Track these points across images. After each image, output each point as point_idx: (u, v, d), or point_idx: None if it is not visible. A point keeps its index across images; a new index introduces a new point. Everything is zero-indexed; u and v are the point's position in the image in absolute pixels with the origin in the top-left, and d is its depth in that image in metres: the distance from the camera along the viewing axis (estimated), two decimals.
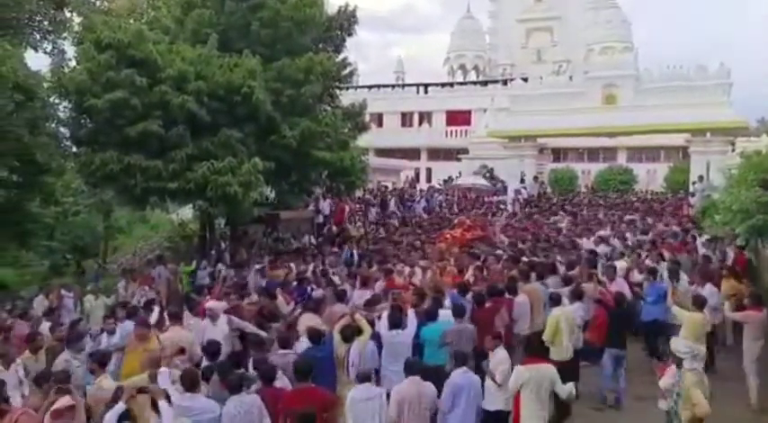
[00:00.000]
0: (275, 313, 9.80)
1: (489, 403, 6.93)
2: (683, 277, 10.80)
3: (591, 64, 30.51)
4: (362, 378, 6.51)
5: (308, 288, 11.80)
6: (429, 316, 8.42)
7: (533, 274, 10.70)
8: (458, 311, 8.35)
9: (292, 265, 14.77)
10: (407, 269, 12.58)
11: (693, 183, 22.74)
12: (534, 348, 6.92)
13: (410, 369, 6.54)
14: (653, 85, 25.28)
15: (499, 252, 14.01)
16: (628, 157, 36.53)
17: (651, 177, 34.37)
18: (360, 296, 10.61)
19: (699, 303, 8.99)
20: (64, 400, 5.82)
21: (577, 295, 9.44)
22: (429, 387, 6.49)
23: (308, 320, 8.72)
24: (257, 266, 14.63)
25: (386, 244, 17.75)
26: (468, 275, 11.49)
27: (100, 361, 7.14)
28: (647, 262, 12.19)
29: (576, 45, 45.08)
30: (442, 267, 12.55)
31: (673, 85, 24.72)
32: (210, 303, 9.43)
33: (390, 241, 18.18)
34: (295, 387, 6.45)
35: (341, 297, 9.99)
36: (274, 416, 6.11)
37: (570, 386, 6.88)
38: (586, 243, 15.19)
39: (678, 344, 6.83)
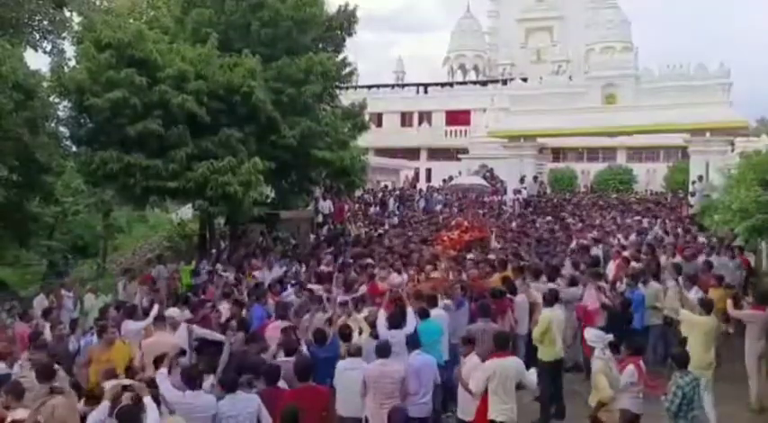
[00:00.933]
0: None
1: (465, 413, 6.96)
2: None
3: (591, 64, 30.45)
4: (381, 352, 6.80)
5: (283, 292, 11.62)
6: (422, 314, 8.37)
7: (528, 276, 10.52)
8: (484, 311, 8.39)
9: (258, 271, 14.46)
10: (394, 274, 11.97)
11: (693, 182, 22.74)
12: (499, 344, 6.98)
13: (380, 352, 6.84)
14: (653, 85, 25.25)
15: (491, 257, 13.42)
16: (627, 156, 36.51)
17: (651, 177, 34.34)
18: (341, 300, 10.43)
19: (707, 307, 8.59)
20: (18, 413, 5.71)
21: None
22: (395, 368, 6.77)
23: (274, 330, 8.41)
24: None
25: (376, 246, 17.33)
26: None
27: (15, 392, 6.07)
28: (634, 265, 11.90)
29: (575, 45, 45.05)
30: (426, 273, 11.92)
31: (672, 85, 24.69)
32: (170, 311, 9.10)
33: (380, 244, 17.76)
34: (296, 387, 6.46)
35: (318, 303, 9.81)
36: (275, 416, 6.11)
37: (533, 372, 6.98)
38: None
39: (589, 333, 7.38)
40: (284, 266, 15.09)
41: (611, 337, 7.26)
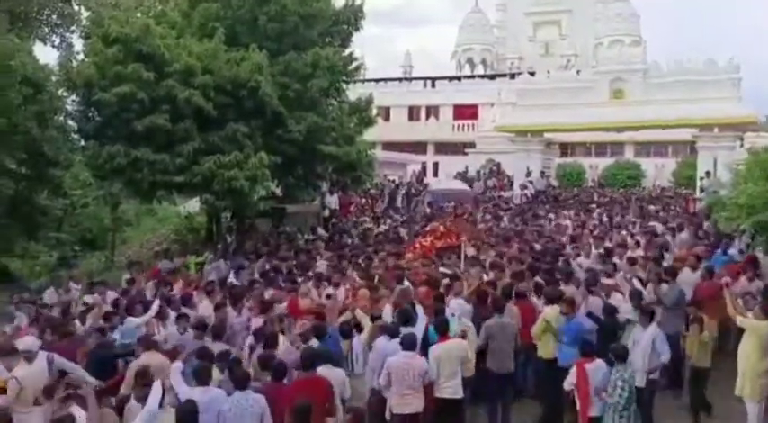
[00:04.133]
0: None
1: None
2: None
3: (599, 58, 30.30)
4: (408, 345, 7.03)
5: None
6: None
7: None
8: (498, 307, 8.38)
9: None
10: (330, 289, 10.55)
11: (701, 179, 22.63)
12: (441, 330, 7.42)
13: (406, 345, 7.05)
14: (661, 80, 25.12)
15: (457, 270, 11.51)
16: (636, 151, 36.40)
17: (659, 172, 34.24)
18: (240, 323, 9.21)
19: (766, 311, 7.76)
20: None
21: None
22: (418, 362, 6.98)
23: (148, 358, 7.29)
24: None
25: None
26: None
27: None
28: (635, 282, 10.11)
29: (584, 38, 44.90)
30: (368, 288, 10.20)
31: (682, 80, 24.54)
32: (24, 343, 7.07)
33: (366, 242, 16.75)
34: (300, 376, 6.60)
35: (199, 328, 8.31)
36: (277, 409, 6.16)
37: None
38: (584, 261, 12.62)
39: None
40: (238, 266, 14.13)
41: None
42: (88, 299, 11.42)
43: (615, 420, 6.76)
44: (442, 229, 14.48)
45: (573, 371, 7.07)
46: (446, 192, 25.70)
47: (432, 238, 14.22)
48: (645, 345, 7.57)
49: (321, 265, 13.26)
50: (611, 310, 8.51)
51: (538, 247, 14.26)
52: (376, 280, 10.80)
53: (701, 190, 22.13)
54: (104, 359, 8.07)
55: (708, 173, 22.34)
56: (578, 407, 7.08)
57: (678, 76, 24.89)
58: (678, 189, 27.92)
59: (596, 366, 7.00)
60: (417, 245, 14.28)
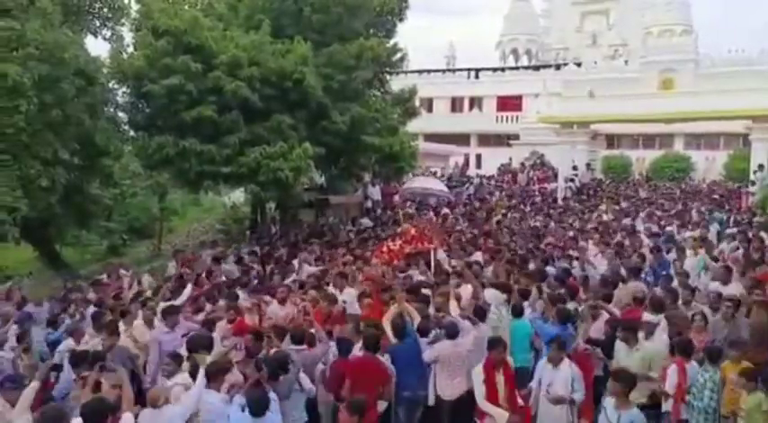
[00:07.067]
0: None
1: None
2: None
3: (648, 48, 29.51)
4: (450, 334, 7.24)
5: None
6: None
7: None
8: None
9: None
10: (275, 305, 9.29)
11: (754, 172, 21.95)
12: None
13: (449, 334, 7.30)
14: (713, 70, 24.40)
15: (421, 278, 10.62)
16: (685, 143, 35.34)
17: (710, 165, 33.24)
18: (171, 340, 7.78)
19: None
20: None
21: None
22: (465, 347, 7.28)
23: None
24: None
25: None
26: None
27: None
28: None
29: (632, 28, 43.71)
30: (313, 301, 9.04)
31: (734, 70, 23.81)
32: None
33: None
34: (362, 355, 6.81)
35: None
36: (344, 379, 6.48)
37: None
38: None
39: None
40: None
41: None
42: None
43: None
44: (413, 231, 12.76)
45: (673, 370, 6.62)
46: (423, 192, 22.80)
47: (401, 241, 12.65)
48: None
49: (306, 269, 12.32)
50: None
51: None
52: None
53: (753, 183, 21.49)
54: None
55: (761, 166, 21.67)
56: (668, 408, 6.65)
57: (730, 66, 24.17)
58: (728, 182, 26.97)
59: (692, 366, 6.68)
60: (385, 249, 12.62)
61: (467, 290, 9.17)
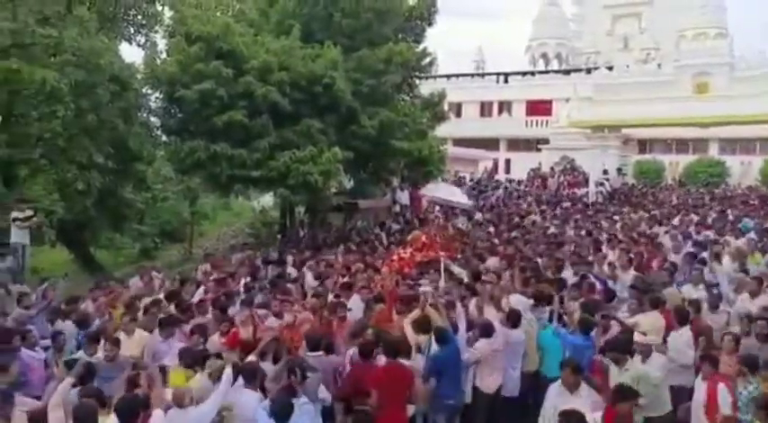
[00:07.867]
0: None
1: None
2: None
3: (681, 51, 29.14)
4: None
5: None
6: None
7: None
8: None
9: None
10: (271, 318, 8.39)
11: None
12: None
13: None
14: (749, 73, 24.05)
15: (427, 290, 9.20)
16: (720, 148, 34.68)
17: (745, 170, 32.56)
18: (166, 351, 7.34)
19: None
20: None
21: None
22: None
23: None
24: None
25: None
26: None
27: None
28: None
29: (665, 31, 43.06)
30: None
31: None
32: None
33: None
34: (386, 363, 6.66)
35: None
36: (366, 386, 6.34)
37: None
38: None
39: None
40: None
41: None
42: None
43: None
44: (424, 239, 12.12)
45: (724, 389, 6.10)
46: (443, 202, 22.34)
47: (412, 249, 12.04)
48: None
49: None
50: None
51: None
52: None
53: None
54: None
55: None
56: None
57: (766, 68, 23.69)
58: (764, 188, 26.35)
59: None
60: (395, 257, 12.03)
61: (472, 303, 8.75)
